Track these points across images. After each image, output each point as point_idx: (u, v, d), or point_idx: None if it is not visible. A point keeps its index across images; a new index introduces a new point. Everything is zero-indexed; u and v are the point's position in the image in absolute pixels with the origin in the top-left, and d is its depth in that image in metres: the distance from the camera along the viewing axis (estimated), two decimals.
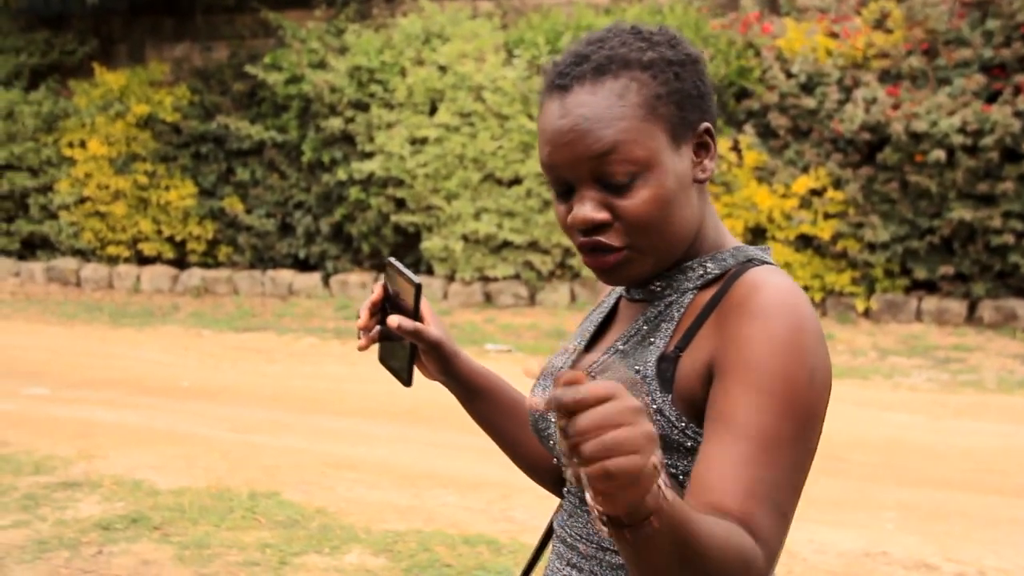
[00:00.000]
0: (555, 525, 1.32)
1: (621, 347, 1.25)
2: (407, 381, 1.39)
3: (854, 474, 4.96)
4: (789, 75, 8.57)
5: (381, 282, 1.39)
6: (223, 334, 8.69)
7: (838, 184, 8.40)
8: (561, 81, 1.20)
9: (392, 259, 1.39)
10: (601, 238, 1.18)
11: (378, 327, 1.38)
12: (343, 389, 6.65)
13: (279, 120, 10.22)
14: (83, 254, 11.27)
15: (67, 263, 11.12)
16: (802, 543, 4.07)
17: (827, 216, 8.47)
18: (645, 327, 1.25)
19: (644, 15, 9.14)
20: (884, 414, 6.09)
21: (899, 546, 4.09)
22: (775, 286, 1.14)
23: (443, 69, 9.48)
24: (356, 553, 3.93)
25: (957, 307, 8.25)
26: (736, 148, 8.69)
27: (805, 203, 8.50)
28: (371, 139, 9.68)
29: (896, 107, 8.09)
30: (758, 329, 1.10)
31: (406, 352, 1.37)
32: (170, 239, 10.85)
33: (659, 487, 0.90)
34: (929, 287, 8.53)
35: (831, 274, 8.54)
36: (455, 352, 1.41)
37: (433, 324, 1.37)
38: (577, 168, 1.17)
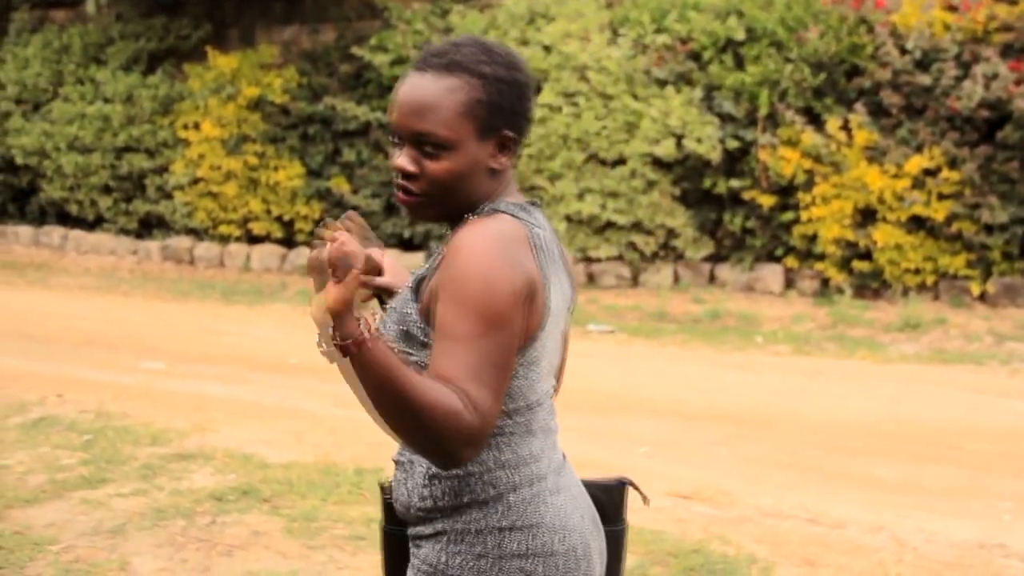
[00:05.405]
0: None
1: (414, 272, 1.69)
2: None
3: (968, 462, 4.81)
4: (903, 51, 8.30)
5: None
6: None
7: (953, 164, 8.12)
8: (422, 64, 1.63)
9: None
10: (408, 184, 1.64)
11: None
12: None
13: (384, 101, 10.34)
14: (196, 233, 11.61)
15: (181, 242, 11.48)
16: (912, 532, 3.97)
17: (941, 197, 8.20)
18: (427, 259, 1.72)
19: None
20: (1000, 401, 5.88)
21: (1017, 538, 3.95)
22: (474, 224, 1.57)
23: (547, 49, 9.45)
24: None
25: None
26: (846, 127, 8.46)
27: (918, 183, 8.24)
28: None
29: (1019, 83, 7.77)
30: (452, 258, 1.54)
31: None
32: (279, 219, 11.09)
33: (366, 321, 1.45)
34: None
35: (945, 256, 8.27)
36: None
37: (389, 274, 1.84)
38: (406, 131, 1.62)
